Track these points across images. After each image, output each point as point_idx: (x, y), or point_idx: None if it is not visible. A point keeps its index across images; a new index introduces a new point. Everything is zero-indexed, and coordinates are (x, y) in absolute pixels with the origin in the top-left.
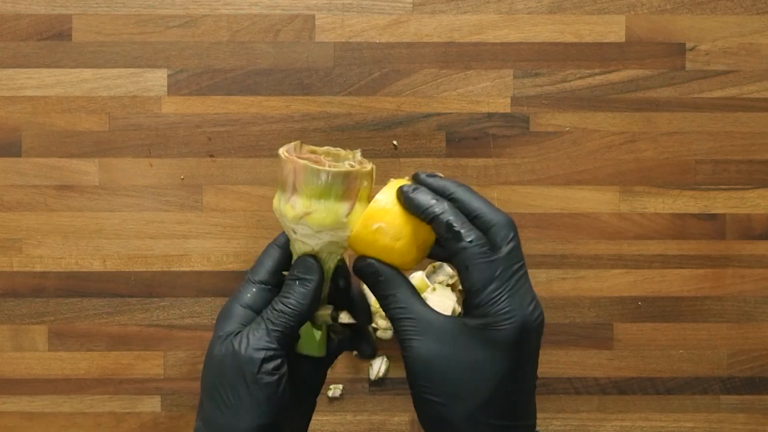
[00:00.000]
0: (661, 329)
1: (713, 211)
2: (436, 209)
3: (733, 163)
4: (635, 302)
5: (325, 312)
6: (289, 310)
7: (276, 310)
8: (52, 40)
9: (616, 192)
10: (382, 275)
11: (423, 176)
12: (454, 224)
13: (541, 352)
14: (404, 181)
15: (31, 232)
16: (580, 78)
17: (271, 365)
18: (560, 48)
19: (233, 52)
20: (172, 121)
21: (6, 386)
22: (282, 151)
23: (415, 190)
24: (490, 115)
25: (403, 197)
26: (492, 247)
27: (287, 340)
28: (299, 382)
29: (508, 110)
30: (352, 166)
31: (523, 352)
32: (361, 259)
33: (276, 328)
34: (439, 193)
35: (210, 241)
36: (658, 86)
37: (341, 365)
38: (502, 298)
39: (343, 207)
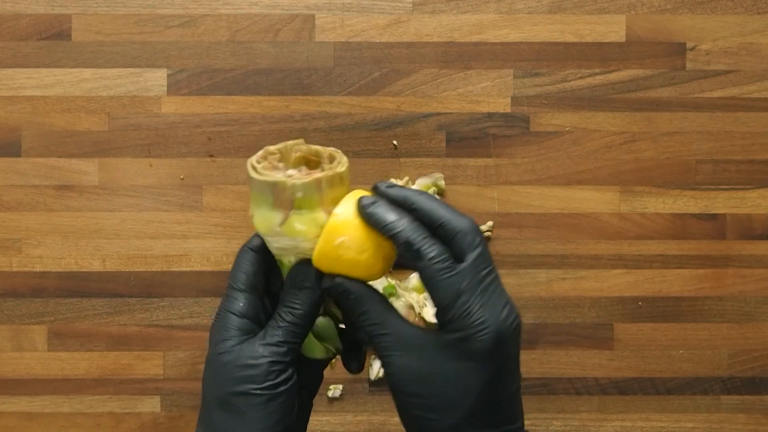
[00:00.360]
0: (661, 329)
1: (713, 211)
2: (396, 225)
3: (733, 163)
4: (635, 302)
5: (324, 321)
6: (297, 320)
7: (286, 320)
8: (52, 39)
9: (616, 192)
10: (352, 293)
11: (383, 187)
12: (414, 241)
13: (541, 352)
14: (365, 192)
15: (31, 232)
16: (580, 78)
17: (283, 375)
18: (560, 48)
19: (233, 52)
20: (172, 121)
21: (6, 386)
22: (252, 159)
23: (372, 204)
24: (490, 115)
25: (362, 212)
26: (457, 256)
27: (297, 348)
28: (300, 386)
29: (508, 110)
30: (289, 177)
31: (501, 359)
32: (329, 278)
33: (289, 339)
34: (400, 204)
35: (210, 241)
36: (659, 86)
37: (341, 365)
38: (474, 310)
39: (275, 216)
